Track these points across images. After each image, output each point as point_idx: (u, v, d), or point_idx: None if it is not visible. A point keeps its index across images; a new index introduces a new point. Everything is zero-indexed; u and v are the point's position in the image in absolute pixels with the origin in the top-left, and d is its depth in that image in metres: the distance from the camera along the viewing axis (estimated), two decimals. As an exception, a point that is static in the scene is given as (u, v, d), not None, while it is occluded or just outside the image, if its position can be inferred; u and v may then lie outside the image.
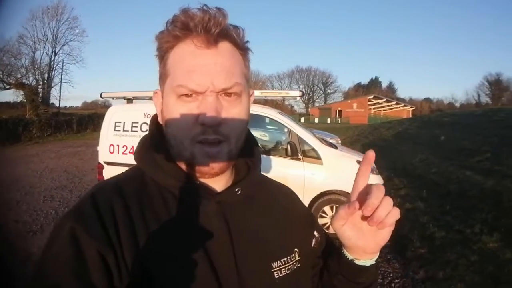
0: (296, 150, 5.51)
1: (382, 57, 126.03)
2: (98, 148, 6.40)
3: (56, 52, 36.57)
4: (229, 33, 0.72)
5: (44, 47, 35.67)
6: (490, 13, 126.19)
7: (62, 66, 35.98)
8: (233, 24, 0.74)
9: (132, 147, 6.04)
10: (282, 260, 0.80)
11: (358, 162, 5.41)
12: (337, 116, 64.28)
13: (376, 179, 5.51)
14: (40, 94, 33.99)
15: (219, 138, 0.71)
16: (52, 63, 36.27)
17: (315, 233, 0.93)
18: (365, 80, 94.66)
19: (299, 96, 6.07)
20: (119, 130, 6.20)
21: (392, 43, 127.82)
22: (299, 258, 0.84)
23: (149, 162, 0.78)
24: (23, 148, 18.06)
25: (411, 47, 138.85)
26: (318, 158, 5.57)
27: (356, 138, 21.37)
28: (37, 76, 34.26)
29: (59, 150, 16.74)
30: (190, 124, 0.70)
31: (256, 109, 5.87)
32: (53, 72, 36.58)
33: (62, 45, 36.96)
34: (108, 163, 6.25)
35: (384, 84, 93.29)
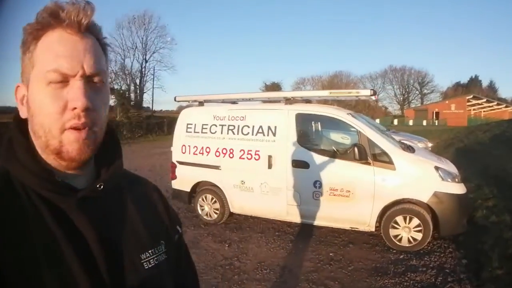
0: (365, 154, 5.14)
1: (482, 54, 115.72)
2: (172, 148, 6.77)
3: (147, 59, 39.31)
4: (95, 27, 0.76)
5: (134, 55, 38.65)
6: None
7: (154, 72, 38.58)
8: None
9: (202, 147, 6.29)
10: (150, 251, 0.84)
11: (436, 168, 5.03)
12: (434, 117, 60.47)
13: (458, 188, 5.02)
14: (133, 98, 36.68)
15: (88, 122, 0.72)
16: (143, 69, 39.09)
17: (178, 228, 1.00)
18: (464, 79, 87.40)
19: (371, 95, 5.70)
20: (191, 132, 6.49)
21: (493, 39, 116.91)
22: (166, 249, 0.88)
23: (10, 159, 0.75)
24: (113, 148, 19.52)
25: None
26: (390, 162, 5.09)
27: (450, 142, 19.88)
28: (128, 82, 37.05)
29: (147, 151, 17.88)
30: (60, 110, 0.70)
31: (324, 110, 5.73)
32: (145, 78, 39.35)
33: (152, 53, 39.86)
34: (180, 163, 6.58)
35: (485, 84, 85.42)
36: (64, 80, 0.71)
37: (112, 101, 34.60)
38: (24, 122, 0.77)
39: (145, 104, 39.90)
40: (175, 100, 7.28)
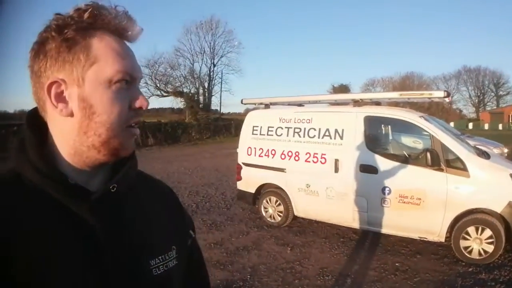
0: (438, 159, 4.82)
1: None
2: (238, 150, 6.88)
3: (215, 63, 40.42)
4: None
5: (202, 59, 39.84)
6: None
7: (221, 76, 39.57)
8: None
9: (268, 150, 6.32)
10: (160, 257, 0.81)
11: None
12: (510, 121, 56.28)
13: None
14: (201, 101, 37.95)
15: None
16: (211, 73, 40.24)
17: (191, 232, 0.97)
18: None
19: (445, 97, 5.33)
20: (257, 134, 6.55)
21: None
22: (177, 255, 0.85)
23: (23, 160, 0.73)
24: (181, 148, 20.35)
25: None
26: (465, 169, 4.74)
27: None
28: (197, 85, 38.37)
29: (214, 151, 18.40)
30: (126, 109, 0.73)
31: (394, 113, 5.48)
32: (213, 81, 40.49)
33: (220, 57, 40.72)
34: (246, 164, 6.67)
35: None
36: (129, 81, 0.74)
37: (181, 104, 36.03)
38: (39, 122, 0.76)
39: (213, 107, 41.06)
40: (241, 102, 7.42)
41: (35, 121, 0.76)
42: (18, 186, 0.71)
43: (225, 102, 50.48)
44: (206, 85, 39.91)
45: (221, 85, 39.35)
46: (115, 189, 0.77)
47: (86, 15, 0.71)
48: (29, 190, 0.71)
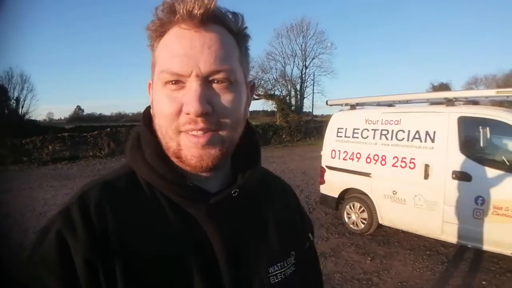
0: None
1: None
2: (322, 153, 6.69)
3: (307, 65, 40.29)
4: (219, 16, 0.67)
5: (294, 61, 39.88)
6: None
7: (314, 78, 39.31)
8: (231, 10, 0.71)
9: (352, 153, 6.04)
10: (278, 264, 0.77)
11: None
12: None
13: None
14: (293, 103, 38.10)
15: (208, 128, 0.66)
16: (303, 75, 40.19)
17: (310, 235, 0.92)
18: None
19: None
20: (341, 136, 6.31)
21: None
22: (295, 261, 0.82)
23: (139, 159, 0.72)
24: (271, 150, 20.48)
25: None
26: None
27: None
28: (289, 88, 38.57)
29: (304, 154, 18.30)
30: (175, 112, 0.66)
31: (493, 113, 4.73)
32: (305, 83, 40.41)
33: (312, 59, 40.41)
34: (329, 168, 6.46)
35: None
36: (180, 81, 0.66)
37: (272, 106, 36.46)
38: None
39: (306, 109, 40.92)
40: (326, 104, 7.20)
41: (151, 120, 0.74)
42: (133, 185, 0.72)
43: (318, 104, 49.97)
44: (298, 87, 39.98)
45: (313, 87, 39.08)
46: (236, 193, 0.73)
47: (161, 10, 0.67)
48: (145, 190, 0.71)
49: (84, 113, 79.47)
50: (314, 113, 40.10)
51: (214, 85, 0.66)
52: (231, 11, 0.70)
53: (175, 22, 0.66)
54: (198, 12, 0.63)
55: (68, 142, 17.00)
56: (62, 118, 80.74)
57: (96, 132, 18.07)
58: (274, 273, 0.76)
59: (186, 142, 0.66)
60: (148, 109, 0.77)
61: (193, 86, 0.64)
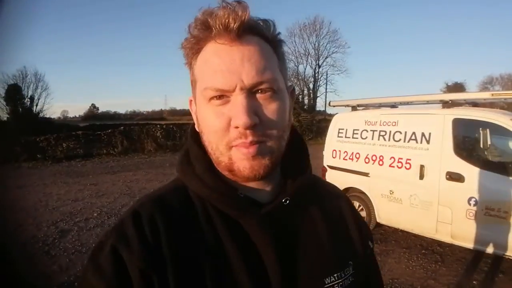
0: None
1: None
2: (324, 153, 6.83)
3: (320, 64, 40.17)
4: (254, 26, 0.68)
5: (307, 60, 39.90)
6: None
7: (326, 77, 39.21)
8: (262, 17, 0.71)
9: (352, 153, 6.17)
10: (335, 275, 0.74)
11: None
12: None
13: None
14: (306, 102, 38.04)
15: (257, 139, 0.66)
16: (316, 74, 40.08)
17: (370, 243, 0.87)
18: None
19: None
20: (342, 137, 6.44)
21: None
22: (353, 271, 0.78)
23: (189, 174, 0.74)
24: (281, 149, 20.58)
25: None
26: None
27: None
28: (301, 87, 38.47)
29: (314, 153, 17.80)
30: (224, 127, 0.66)
31: (486, 115, 4.79)
32: (318, 82, 40.29)
33: (325, 58, 40.31)
34: (331, 167, 6.60)
35: None
36: (225, 96, 0.66)
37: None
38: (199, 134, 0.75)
39: (319, 108, 40.78)
40: (329, 105, 7.33)
41: (198, 136, 0.75)
42: (184, 199, 0.73)
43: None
44: (310, 86, 39.91)
45: (326, 86, 39.00)
46: (288, 202, 0.72)
47: (195, 27, 0.68)
48: (196, 204, 0.72)
49: (99, 111, 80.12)
50: (328, 112, 40.06)
51: (258, 96, 0.66)
52: (262, 19, 0.70)
53: (211, 38, 0.66)
54: (235, 26, 0.64)
55: (82, 140, 17.41)
56: (77, 116, 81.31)
57: (110, 130, 18.42)
58: (331, 283, 0.73)
59: (237, 155, 0.66)
60: (193, 125, 0.78)
61: (238, 100, 0.64)
